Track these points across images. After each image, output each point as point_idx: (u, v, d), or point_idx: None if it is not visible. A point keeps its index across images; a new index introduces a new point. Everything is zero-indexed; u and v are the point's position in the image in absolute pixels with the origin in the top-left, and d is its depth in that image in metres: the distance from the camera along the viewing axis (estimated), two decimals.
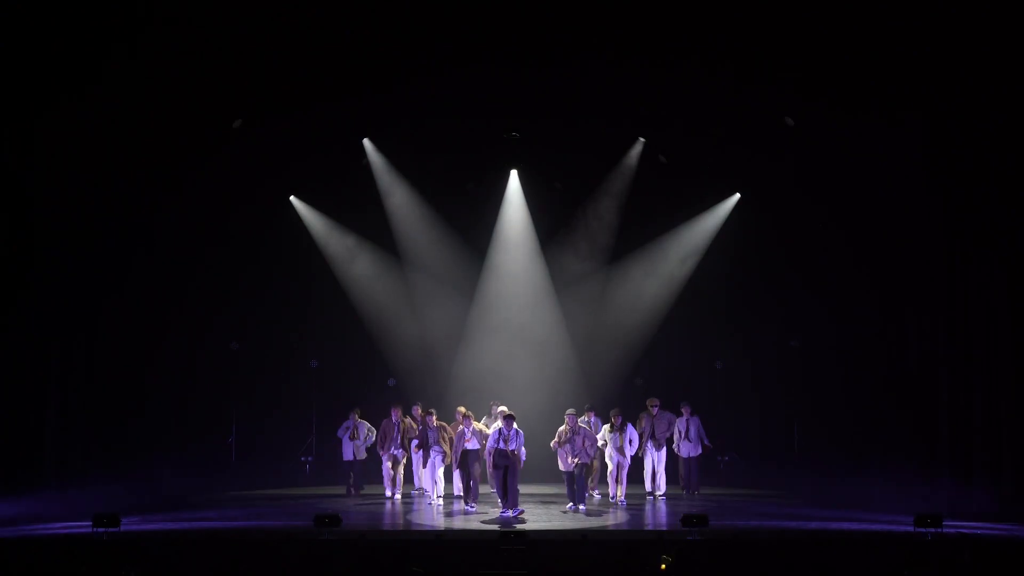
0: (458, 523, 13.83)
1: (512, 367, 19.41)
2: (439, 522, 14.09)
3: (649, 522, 14.35)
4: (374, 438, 16.82)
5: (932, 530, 11.84)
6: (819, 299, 18.53)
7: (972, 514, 13.72)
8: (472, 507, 14.88)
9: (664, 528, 13.55)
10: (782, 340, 19.52)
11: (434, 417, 15.85)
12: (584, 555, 11.48)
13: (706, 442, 16.95)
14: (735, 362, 19.89)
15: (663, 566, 9.82)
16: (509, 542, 11.77)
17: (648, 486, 16.53)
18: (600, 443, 15.70)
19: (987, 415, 15.62)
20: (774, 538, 12.34)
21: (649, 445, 16.38)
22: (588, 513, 14.65)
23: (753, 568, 10.19)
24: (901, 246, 16.91)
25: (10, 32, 14.20)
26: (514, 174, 19.65)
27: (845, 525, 13.65)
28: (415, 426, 16.05)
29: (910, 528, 12.09)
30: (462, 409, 15.56)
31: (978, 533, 12.13)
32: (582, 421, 15.49)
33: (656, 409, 16.61)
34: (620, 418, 15.70)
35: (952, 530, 11.97)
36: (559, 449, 14.97)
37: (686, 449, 16.86)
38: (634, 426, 16.13)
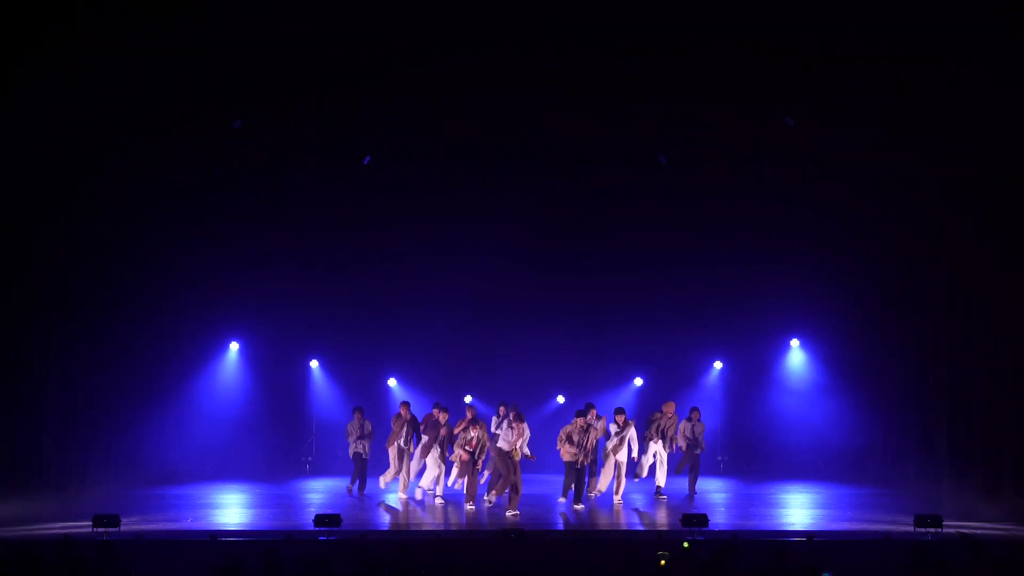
0: (458, 523, 13.83)
1: (512, 366, 19.45)
2: (439, 522, 14.10)
3: (649, 522, 14.35)
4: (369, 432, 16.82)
5: (932, 530, 11.85)
6: (819, 299, 18.55)
7: (972, 514, 13.72)
8: (472, 506, 14.89)
9: (664, 528, 13.54)
10: (782, 340, 19.54)
11: (444, 415, 15.91)
12: (584, 555, 11.47)
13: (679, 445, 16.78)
14: (735, 362, 19.90)
15: (662, 562, 9.87)
16: (509, 542, 11.76)
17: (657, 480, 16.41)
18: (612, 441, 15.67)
19: (988, 415, 15.65)
20: (774, 538, 12.34)
21: (659, 445, 16.28)
22: (588, 513, 14.66)
23: (753, 568, 10.19)
24: (902, 245, 16.95)
25: (11, 28, 14.21)
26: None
27: (845, 525, 13.66)
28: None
29: (910, 528, 12.10)
30: (472, 409, 15.68)
31: (978, 533, 12.13)
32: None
33: (671, 414, 16.49)
34: (623, 416, 15.69)
35: (952, 530, 11.98)
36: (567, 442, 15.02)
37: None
38: (647, 427, 16.11)
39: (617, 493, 15.62)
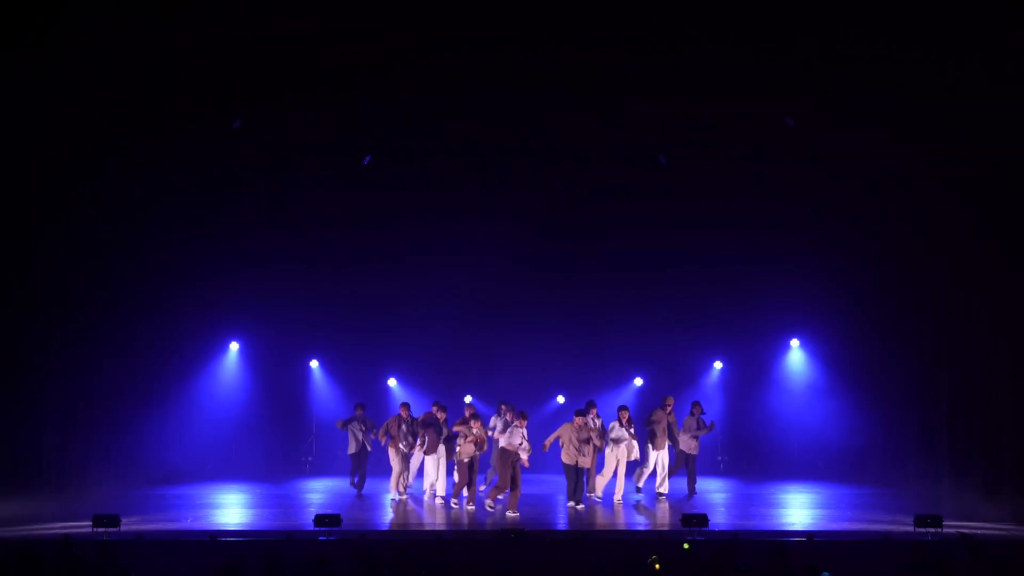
0: (458, 523, 13.84)
1: (512, 366, 19.46)
2: (439, 522, 14.10)
3: (649, 522, 14.35)
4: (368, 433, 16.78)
5: (932, 530, 11.85)
6: (819, 299, 18.56)
7: (972, 514, 13.73)
8: (472, 506, 14.90)
9: (664, 528, 13.54)
10: (782, 340, 19.55)
11: (441, 413, 15.92)
12: (584, 555, 11.47)
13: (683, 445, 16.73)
14: (735, 362, 19.91)
15: (656, 566, 9.88)
16: (509, 542, 11.76)
17: (659, 486, 16.37)
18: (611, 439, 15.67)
19: (988, 415, 15.65)
20: (774, 538, 12.35)
21: (663, 451, 16.21)
22: (588, 513, 14.66)
23: (753, 568, 10.19)
24: (902, 245, 16.94)
25: (11, 28, 14.20)
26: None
27: (845, 525, 13.67)
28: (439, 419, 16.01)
29: (910, 528, 12.10)
30: (471, 408, 15.70)
31: (978, 533, 12.13)
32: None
33: (671, 408, 16.45)
34: (627, 415, 15.70)
35: (952, 530, 11.98)
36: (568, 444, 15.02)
37: (693, 446, 16.82)
38: (645, 423, 16.09)
39: (617, 493, 15.62)
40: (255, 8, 14.53)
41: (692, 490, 16.43)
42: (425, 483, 16.11)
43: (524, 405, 16.29)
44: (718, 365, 20.15)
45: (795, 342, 19.62)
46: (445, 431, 15.87)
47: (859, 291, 18.00)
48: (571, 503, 15.01)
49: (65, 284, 16.26)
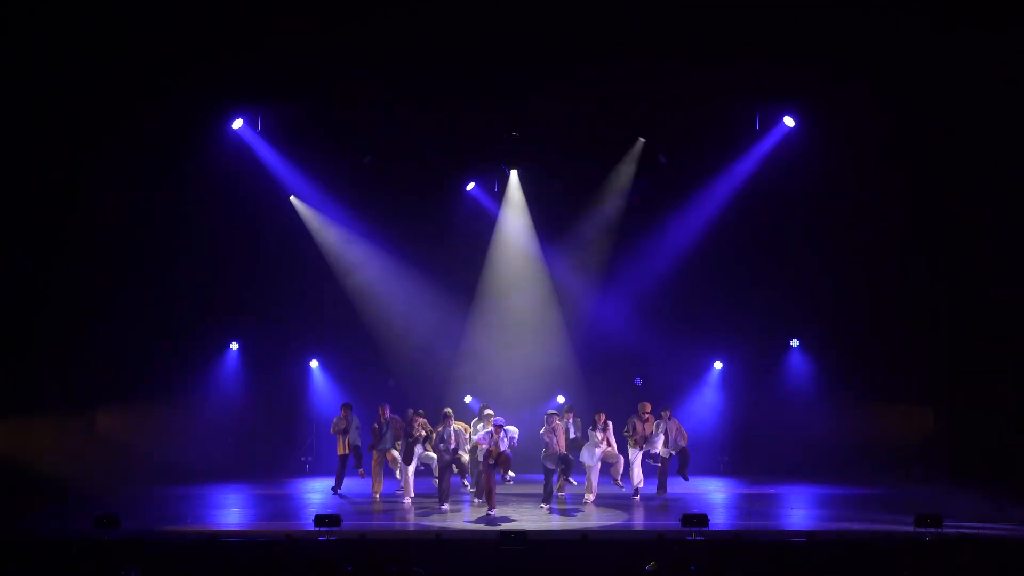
0: (458, 523, 13.84)
1: (511, 367, 19.45)
2: (438, 522, 14.09)
3: (649, 522, 14.34)
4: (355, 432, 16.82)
5: (932, 530, 11.84)
6: (820, 299, 18.57)
7: (972, 514, 13.72)
8: (448, 506, 14.90)
9: (664, 528, 13.52)
10: (782, 340, 19.54)
11: (419, 418, 15.92)
12: (584, 555, 11.47)
13: (682, 444, 16.78)
14: (735, 362, 19.90)
15: (649, 568, 9.86)
16: (509, 542, 11.75)
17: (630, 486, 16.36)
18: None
19: (988, 415, 15.66)
20: (773, 538, 12.34)
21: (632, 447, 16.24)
22: (588, 513, 14.65)
23: (753, 568, 10.18)
24: (902, 246, 16.96)
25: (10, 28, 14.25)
26: (514, 174, 19.63)
27: (845, 525, 13.66)
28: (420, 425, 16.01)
29: (910, 528, 12.10)
30: (448, 411, 15.70)
31: (978, 533, 12.13)
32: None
33: (648, 415, 16.37)
34: (603, 418, 15.71)
35: (952, 530, 11.98)
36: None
37: (666, 452, 16.89)
38: (624, 429, 16.09)
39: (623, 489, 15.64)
40: (255, 8, 14.61)
41: (663, 489, 16.47)
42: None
43: (523, 405, 16.30)
44: (718, 365, 20.13)
45: (796, 343, 19.60)
46: (423, 434, 15.83)
47: (859, 292, 18.00)
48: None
49: (65, 284, 16.25)
